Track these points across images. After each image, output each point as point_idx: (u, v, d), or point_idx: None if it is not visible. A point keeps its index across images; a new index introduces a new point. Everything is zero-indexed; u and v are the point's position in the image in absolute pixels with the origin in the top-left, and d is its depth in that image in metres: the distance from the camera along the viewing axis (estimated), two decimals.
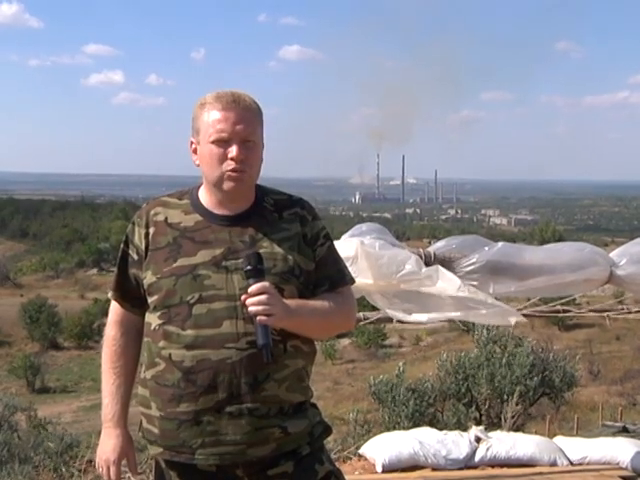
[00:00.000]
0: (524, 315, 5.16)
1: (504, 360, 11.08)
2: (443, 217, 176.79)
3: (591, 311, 5.24)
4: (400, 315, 4.16)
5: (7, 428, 10.55)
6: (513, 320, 4.22)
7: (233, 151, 2.12)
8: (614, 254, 4.47)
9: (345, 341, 38.46)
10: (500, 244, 4.24)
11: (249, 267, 2.06)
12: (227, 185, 2.15)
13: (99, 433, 2.33)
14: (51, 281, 65.14)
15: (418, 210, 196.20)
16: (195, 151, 2.21)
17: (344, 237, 4.11)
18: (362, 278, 3.89)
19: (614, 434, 7.19)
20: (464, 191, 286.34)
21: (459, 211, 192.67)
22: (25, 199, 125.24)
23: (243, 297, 2.05)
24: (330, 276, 2.26)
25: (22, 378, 34.63)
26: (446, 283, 4.00)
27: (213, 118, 2.13)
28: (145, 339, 2.22)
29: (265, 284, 2.05)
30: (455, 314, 4.12)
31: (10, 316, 44.90)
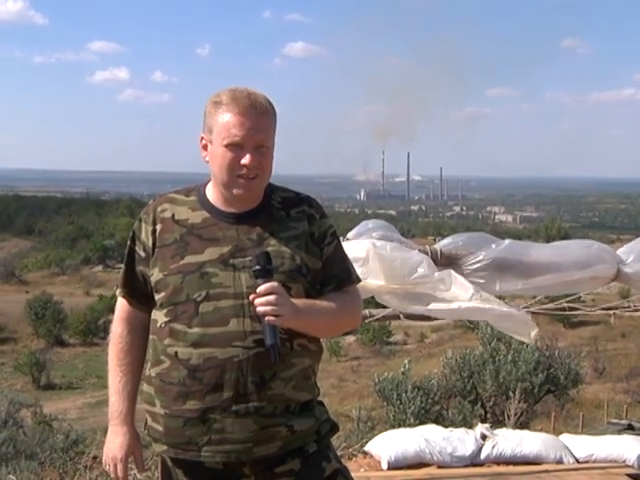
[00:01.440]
0: (530, 312, 5.16)
1: (509, 357, 11.08)
2: (448, 214, 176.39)
3: (598, 309, 5.22)
4: (417, 307, 4.12)
5: (12, 424, 10.60)
6: (532, 334, 4.18)
7: (247, 158, 2.10)
8: (621, 251, 4.45)
9: (350, 338, 38.45)
10: (507, 241, 4.22)
11: (258, 267, 2.05)
12: (237, 192, 2.14)
13: (104, 429, 2.33)
14: (56, 278, 65.21)
15: (423, 207, 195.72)
16: (205, 147, 2.19)
17: (350, 234, 4.11)
18: (373, 279, 3.87)
19: (619, 432, 7.18)
20: (469, 188, 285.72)
21: (464, 208, 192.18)
22: (30, 196, 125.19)
23: (251, 297, 2.04)
24: (337, 275, 2.25)
25: (27, 375, 34.73)
26: (458, 289, 3.98)
27: (228, 121, 2.10)
28: (151, 336, 2.21)
29: (274, 284, 2.04)
30: (474, 304, 4.07)
31: (16, 313, 45.01)
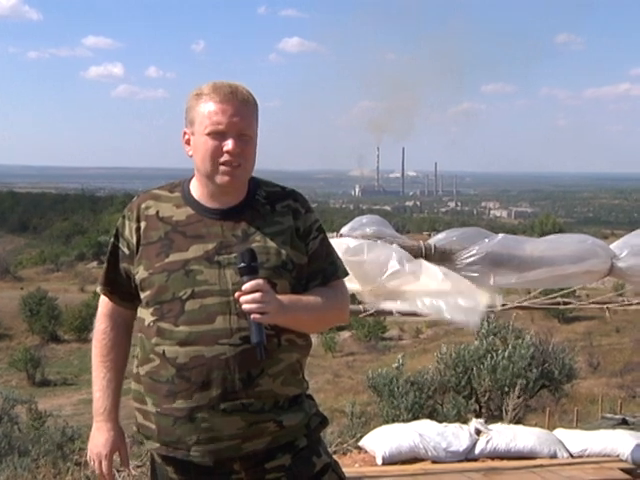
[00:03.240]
0: (524, 307, 5.17)
1: (505, 353, 11.10)
2: (443, 210, 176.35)
3: (592, 303, 5.22)
4: (389, 304, 4.17)
5: (7, 421, 10.58)
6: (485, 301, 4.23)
7: (229, 144, 2.09)
8: (615, 246, 4.44)
9: (345, 334, 38.49)
10: (500, 236, 4.22)
11: (243, 264, 2.03)
12: (221, 179, 2.12)
13: None
14: (51, 274, 65.07)
15: (418, 203, 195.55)
16: (188, 142, 2.18)
17: (344, 229, 4.10)
18: (350, 284, 3.92)
19: (614, 426, 7.19)
20: (464, 184, 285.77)
21: (459, 204, 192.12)
22: (25, 192, 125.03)
23: (237, 294, 2.03)
24: (323, 270, 2.24)
25: (22, 371, 34.67)
26: (429, 277, 4.02)
27: (209, 110, 2.10)
28: (139, 334, 2.19)
29: (259, 281, 2.02)
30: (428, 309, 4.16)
31: (10, 309, 44.91)
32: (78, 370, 36.85)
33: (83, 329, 43.06)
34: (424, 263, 4.04)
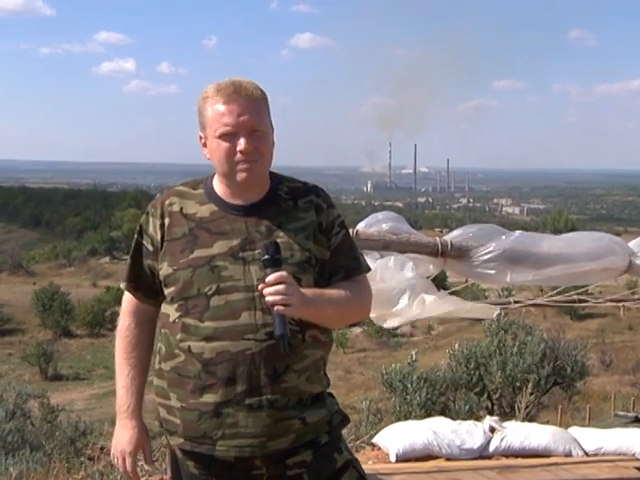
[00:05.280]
0: (539, 304, 5.14)
1: (515, 349, 11.05)
2: (455, 206, 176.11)
3: (607, 301, 5.19)
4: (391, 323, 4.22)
5: (20, 415, 10.60)
6: (495, 313, 4.45)
7: (241, 144, 2.08)
8: (633, 243, 4.40)
9: (357, 330, 38.51)
10: (517, 233, 4.19)
11: (267, 257, 2.03)
12: (240, 177, 2.12)
13: (112, 420, 2.33)
14: (63, 269, 65.41)
15: (430, 199, 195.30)
16: (205, 145, 2.18)
17: (360, 225, 4.08)
18: None
19: (626, 424, 7.17)
20: (476, 180, 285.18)
21: (471, 200, 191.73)
22: (37, 187, 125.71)
23: (260, 286, 2.02)
24: (345, 265, 2.23)
25: (35, 365, 34.93)
26: (431, 309, 4.09)
27: (216, 112, 2.10)
28: (163, 330, 2.19)
29: (283, 273, 2.02)
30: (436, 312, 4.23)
31: (23, 304, 45.23)
32: (90, 365, 37.12)
33: (95, 324, 43.32)
34: (430, 297, 4.09)
